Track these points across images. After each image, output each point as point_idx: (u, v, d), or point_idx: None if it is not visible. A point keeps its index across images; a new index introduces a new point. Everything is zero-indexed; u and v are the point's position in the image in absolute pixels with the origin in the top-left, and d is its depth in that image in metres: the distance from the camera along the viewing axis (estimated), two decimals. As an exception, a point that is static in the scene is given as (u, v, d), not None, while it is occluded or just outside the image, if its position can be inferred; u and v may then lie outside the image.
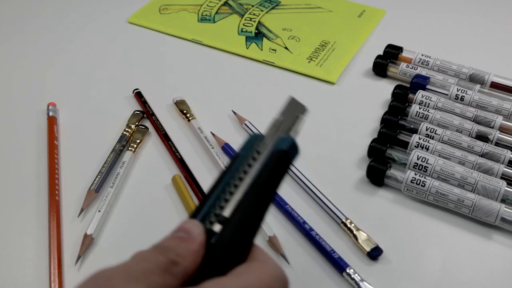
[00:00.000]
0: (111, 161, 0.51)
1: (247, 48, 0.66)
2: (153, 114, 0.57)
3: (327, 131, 0.57)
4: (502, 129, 0.54)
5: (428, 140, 0.52)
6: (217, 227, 0.31)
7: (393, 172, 0.50)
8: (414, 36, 0.69)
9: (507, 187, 0.48)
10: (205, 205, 0.32)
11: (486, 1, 0.76)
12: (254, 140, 0.34)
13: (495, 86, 0.60)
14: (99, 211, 0.47)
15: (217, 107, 0.58)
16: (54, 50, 0.66)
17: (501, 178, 0.49)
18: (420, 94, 0.57)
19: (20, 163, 0.52)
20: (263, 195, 0.31)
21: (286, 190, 0.50)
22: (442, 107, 0.56)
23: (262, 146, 0.34)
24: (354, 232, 0.46)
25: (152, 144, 0.55)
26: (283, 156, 0.32)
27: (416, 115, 0.55)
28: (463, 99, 0.57)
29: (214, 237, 0.30)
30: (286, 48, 0.67)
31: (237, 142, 0.54)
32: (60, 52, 0.66)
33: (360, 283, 0.42)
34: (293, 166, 0.51)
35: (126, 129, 0.54)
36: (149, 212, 0.48)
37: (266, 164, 0.32)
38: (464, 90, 0.57)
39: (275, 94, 0.61)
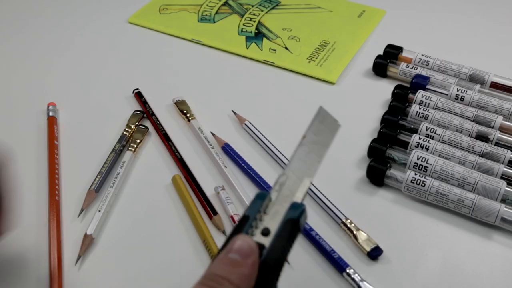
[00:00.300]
0: (111, 161, 0.51)
1: (247, 48, 0.66)
2: (153, 114, 0.57)
3: (327, 131, 0.57)
4: (502, 129, 0.54)
5: (428, 140, 0.52)
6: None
7: (393, 172, 0.50)
8: (414, 36, 0.69)
9: (507, 187, 0.48)
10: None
11: (486, 1, 0.76)
12: (260, 200, 0.35)
13: (495, 86, 0.60)
14: (99, 211, 0.47)
15: (217, 107, 0.58)
16: (54, 50, 0.66)
17: (501, 178, 0.49)
18: (420, 94, 0.57)
19: (20, 163, 0.52)
20: (277, 263, 0.32)
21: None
22: (442, 107, 0.56)
23: (270, 207, 0.35)
24: (354, 232, 0.46)
25: (152, 144, 0.55)
26: (294, 225, 0.34)
27: (416, 115, 0.55)
28: (463, 99, 0.57)
29: None
30: (286, 48, 0.67)
31: (237, 142, 0.54)
32: (60, 52, 0.66)
33: (360, 283, 0.42)
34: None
35: (126, 129, 0.54)
36: (149, 212, 0.48)
37: (279, 234, 0.33)
38: (464, 90, 0.57)
39: (275, 94, 0.61)
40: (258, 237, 0.33)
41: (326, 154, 0.38)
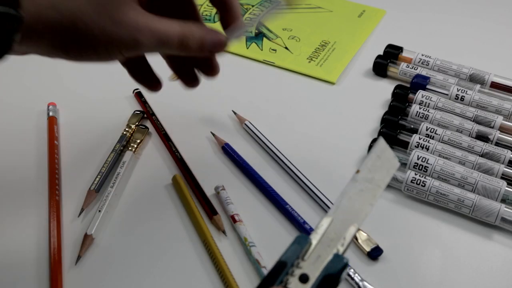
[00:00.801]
0: (111, 161, 0.51)
1: (247, 48, 0.66)
2: (153, 114, 0.57)
3: (327, 131, 0.57)
4: (502, 129, 0.54)
5: (428, 140, 0.52)
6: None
7: (393, 172, 0.50)
8: (414, 36, 0.69)
9: (507, 187, 0.48)
10: None
11: (487, 1, 0.76)
12: (299, 246, 0.32)
13: (495, 86, 0.60)
14: (99, 211, 0.47)
15: (217, 107, 0.58)
16: (54, 50, 0.66)
17: (501, 178, 0.49)
18: (420, 94, 0.57)
19: (20, 163, 0.52)
20: None
21: (286, 189, 0.50)
22: (442, 107, 0.56)
23: (309, 252, 0.32)
24: (354, 232, 0.46)
25: (152, 144, 0.55)
26: (334, 281, 0.31)
27: (416, 115, 0.55)
28: (463, 99, 0.57)
29: None
30: (286, 48, 0.67)
31: (237, 142, 0.54)
32: (60, 52, 0.66)
33: (360, 283, 0.42)
34: (293, 165, 0.51)
35: (126, 129, 0.54)
36: (149, 212, 0.48)
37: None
38: (464, 90, 0.57)
39: (275, 94, 0.61)
40: (295, 284, 0.31)
41: (379, 197, 0.34)
